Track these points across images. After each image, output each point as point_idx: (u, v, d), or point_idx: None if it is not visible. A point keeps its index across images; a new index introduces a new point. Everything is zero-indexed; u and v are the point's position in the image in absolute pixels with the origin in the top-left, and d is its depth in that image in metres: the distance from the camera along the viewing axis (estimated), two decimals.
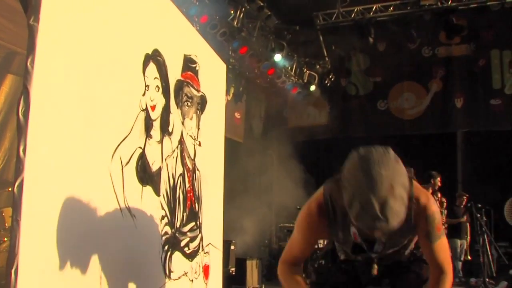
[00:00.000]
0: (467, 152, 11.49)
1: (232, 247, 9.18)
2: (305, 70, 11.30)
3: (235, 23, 9.73)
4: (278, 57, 10.48)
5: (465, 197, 9.70)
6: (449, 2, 9.81)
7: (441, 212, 9.18)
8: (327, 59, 11.59)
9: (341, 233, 2.49)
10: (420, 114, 11.61)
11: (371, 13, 10.51)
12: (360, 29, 10.63)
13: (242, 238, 9.56)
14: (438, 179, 8.43)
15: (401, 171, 2.18)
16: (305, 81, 11.33)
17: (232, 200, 9.75)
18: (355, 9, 10.62)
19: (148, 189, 3.63)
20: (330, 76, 11.79)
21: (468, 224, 9.72)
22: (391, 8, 10.42)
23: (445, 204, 9.16)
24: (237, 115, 12.04)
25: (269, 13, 9.72)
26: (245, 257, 8.59)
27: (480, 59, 11.15)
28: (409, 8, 10.27)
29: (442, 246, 2.52)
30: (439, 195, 8.93)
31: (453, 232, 9.40)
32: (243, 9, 9.73)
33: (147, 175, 3.59)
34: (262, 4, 9.56)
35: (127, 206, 3.30)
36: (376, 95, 12.06)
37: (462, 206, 9.70)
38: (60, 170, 2.71)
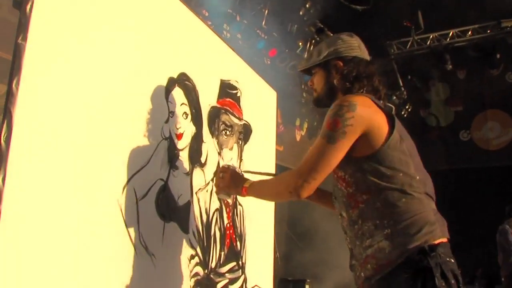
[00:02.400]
0: None
1: (307, 286, 8.75)
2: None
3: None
4: None
5: None
6: None
7: None
8: (403, 89, 11.03)
9: None
10: (507, 144, 10.84)
11: (448, 39, 9.92)
12: (437, 56, 10.09)
13: (319, 278, 9.16)
14: None
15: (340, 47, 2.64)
16: None
17: (308, 238, 9.35)
18: (431, 36, 10.06)
19: (173, 225, 3.28)
20: (407, 107, 11.25)
21: None
22: (469, 32, 9.79)
23: None
24: None
25: None
26: None
27: None
28: (489, 31, 9.59)
29: (317, 145, 2.33)
30: None
31: None
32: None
33: (170, 210, 3.25)
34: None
35: (143, 244, 2.96)
36: (457, 126, 11.45)
37: None
38: (49, 206, 2.40)
